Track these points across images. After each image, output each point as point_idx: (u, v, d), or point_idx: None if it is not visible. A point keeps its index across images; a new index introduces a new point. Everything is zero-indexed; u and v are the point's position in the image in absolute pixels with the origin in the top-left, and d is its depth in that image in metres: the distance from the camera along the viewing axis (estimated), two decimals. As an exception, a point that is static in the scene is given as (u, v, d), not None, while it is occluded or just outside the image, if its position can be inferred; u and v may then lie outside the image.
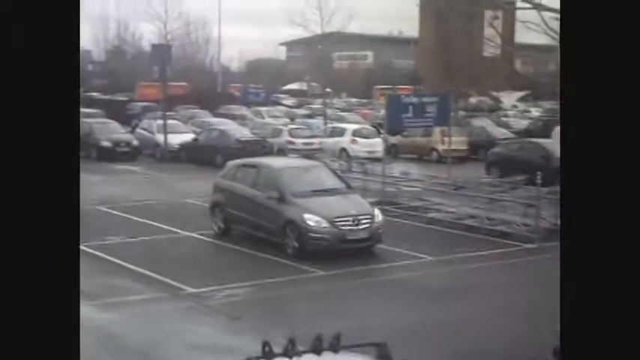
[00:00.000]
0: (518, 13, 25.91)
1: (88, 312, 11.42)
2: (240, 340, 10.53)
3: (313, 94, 70.31)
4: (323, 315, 11.67)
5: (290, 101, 69.54)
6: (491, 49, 52.52)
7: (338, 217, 15.76)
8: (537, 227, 17.47)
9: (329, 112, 48.14)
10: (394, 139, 34.25)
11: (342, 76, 70.86)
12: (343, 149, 33.97)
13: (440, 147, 33.28)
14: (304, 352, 4.30)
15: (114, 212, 20.76)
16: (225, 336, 11.13)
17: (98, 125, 35.47)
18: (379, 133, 34.94)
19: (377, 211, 16.62)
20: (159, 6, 39.83)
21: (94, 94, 60.46)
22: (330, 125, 40.12)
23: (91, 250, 15.94)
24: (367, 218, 16.09)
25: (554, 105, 45.13)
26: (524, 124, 45.93)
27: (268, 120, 44.68)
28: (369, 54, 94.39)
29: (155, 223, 19.09)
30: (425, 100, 24.38)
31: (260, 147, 31.42)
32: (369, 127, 38.69)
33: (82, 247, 15.59)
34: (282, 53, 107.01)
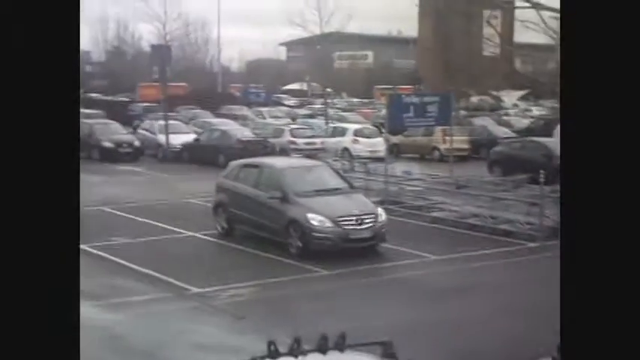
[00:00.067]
0: (518, 13, 25.94)
1: (93, 312, 11.45)
2: (245, 340, 10.54)
3: (314, 94, 70.33)
4: (327, 314, 11.67)
5: (291, 101, 69.58)
6: (490, 48, 52.62)
7: (341, 217, 15.77)
8: (541, 226, 17.45)
9: (330, 111, 48.16)
10: (396, 139, 34.26)
11: (342, 76, 70.91)
12: (345, 149, 33.96)
13: (442, 146, 33.28)
14: (310, 351, 4.29)
15: (117, 213, 20.78)
16: (230, 336, 11.13)
17: (100, 126, 35.52)
18: (381, 132, 34.96)
19: (380, 211, 16.63)
20: (158, 7, 39.81)
21: (95, 94, 60.48)
22: (331, 125, 40.13)
23: (95, 251, 15.96)
24: (370, 218, 16.09)
25: (555, 104, 45.14)
26: (525, 122, 45.91)
27: (270, 120, 44.70)
28: (369, 54, 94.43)
29: (158, 224, 19.11)
30: (426, 99, 24.37)
31: (262, 147, 31.43)
32: (371, 127, 38.71)
33: (85, 247, 15.65)
34: (281, 53, 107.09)
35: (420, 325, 11.47)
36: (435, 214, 20.07)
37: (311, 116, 49.18)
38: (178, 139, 34.06)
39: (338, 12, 45.12)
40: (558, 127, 26.08)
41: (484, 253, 16.53)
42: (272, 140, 33.68)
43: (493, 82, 62.14)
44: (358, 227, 15.86)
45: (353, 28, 54.66)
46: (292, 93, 79.18)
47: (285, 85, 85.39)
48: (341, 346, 4.35)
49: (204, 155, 31.87)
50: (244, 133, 34.66)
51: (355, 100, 74.42)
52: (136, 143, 34.60)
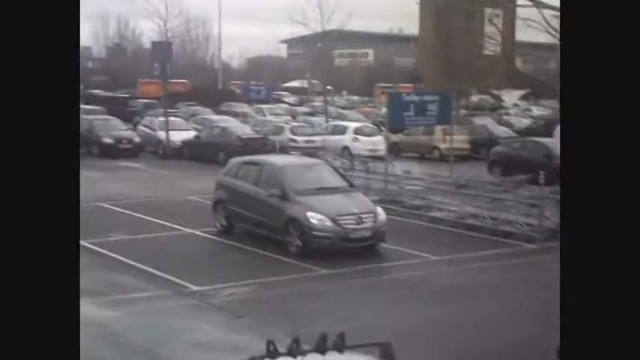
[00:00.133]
0: (519, 10, 25.91)
1: (91, 309, 11.45)
2: (244, 339, 10.55)
3: (314, 92, 70.28)
4: (325, 314, 11.66)
5: (291, 99, 69.53)
6: (491, 47, 52.58)
7: (341, 216, 15.75)
8: (540, 227, 17.43)
9: (330, 109, 48.12)
10: (396, 138, 34.24)
11: (342, 73, 70.81)
12: (345, 147, 33.94)
13: (442, 145, 33.27)
14: (309, 351, 4.29)
15: (116, 209, 20.78)
16: (229, 334, 11.13)
17: (100, 122, 35.55)
18: (381, 131, 34.94)
19: (379, 210, 16.61)
20: (159, 3, 39.72)
21: (95, 91, 60.46)
22: (331, 123, 40.10)
23: (94, 247, 15.96)
24: (370, 217, 16.08)
25: (555, 104, 45.09)
26: (525, 122, 45.89)
27: (270, 117, 44.67)
28: (370, 52, 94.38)
29: (157, 220, 19.10)
30: (426, 98, 24.37)
31: (262, 144, 31.41)
32: (371, 125, 38.69)
33: (84, 243, 15.63)
34: (282, 51, 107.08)
35: (418, 326, 11.46)
36: (434, 214, 20.06)
37: (311, 114, 49.13)
38: (178, 136, 34.08)
39: (339, 10, 44.92)
40: (559, 127, 26.08)
41: (483, 253, 16.52)
42: (272, 138, 33.65)
43: (494, 81, 62.14)
44: (357, 226, 15.85)
45: (354, 25, 54.52)
46: (293, 90, 79.15)
47: (285, 82, 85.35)
48: (340, 346, 4.35)
49: (204, 152, 31.88)
50: (244, 130, 34.65)
51: (355, 98, 74.43)
52: (136, 139, 34.62)
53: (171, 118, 35.70)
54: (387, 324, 11.04)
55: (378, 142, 32.68)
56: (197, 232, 17.96)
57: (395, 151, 33.09)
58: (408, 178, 23.57)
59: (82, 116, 34.78)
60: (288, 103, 62.87)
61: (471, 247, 16.99)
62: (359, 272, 14.76)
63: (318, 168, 18.26)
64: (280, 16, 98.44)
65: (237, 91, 66.10)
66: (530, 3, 21.31)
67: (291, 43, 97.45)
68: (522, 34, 36.98)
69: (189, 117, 41.30)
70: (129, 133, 35.49)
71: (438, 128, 32.36)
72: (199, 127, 36.71)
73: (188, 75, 65.53)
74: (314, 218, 15.59)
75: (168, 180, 27.16)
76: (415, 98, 24.39)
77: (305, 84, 77.88)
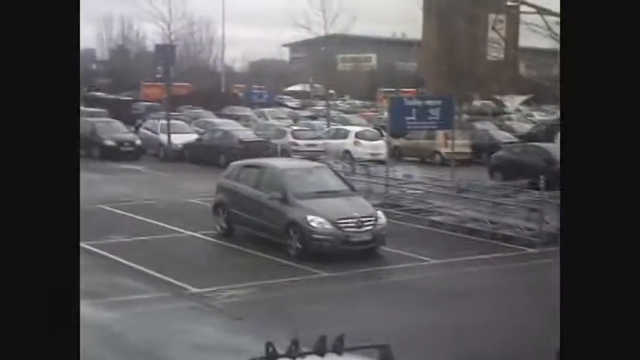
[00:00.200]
0: (523, 15, 25.91)
1: (91, 311, 11.45)
2: (243, 341, 10.55)
3: (316, 96, 70.32)
4: (325, 317, 11.65)
5: (293, 103, 69.59)
6: (494, 52, 52.57)
7: (341, 219, 15.77)
8: (541, 231, 17.43)
9: (332, 113, 48.14)
10: (397, 142, 34.25)
11: (345, 78, 70.88)
12: (346, 151, 33.96)
13: (443, 150, 33.29)
14: (307, 353, 4.29)
15: (117, 211, 20.79)
16: (228, 336, 11.13)
17: (102, 124, 35.58)
18: (382, 135, 34.95)
19: (380, 214, 16.62)
20: (162, 6, 39.78)
21: (98, 93, 60.54)
22: (333, 127, 40.11)
23: (95, 249, 15.97)
24: (370, 220, 16.09)
25: (557, 109, 45.08)
26: (527, 127, 45.89)
27: (272, 121, 44.70)
28: (373, 56, 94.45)
29: (158, 223, 19.12)
30: (428, 102, 24.36)
31: (263, 148, 31.44)
32: (373, 130, 38.68)
33: (85, 245, 15.64)
34: (285, 54, 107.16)
35: (418, 329, 11.46)
36: (434, 217, 20.06)
37: (313, 118, 49.18)
38: (180, 139, 34.10)
39: (342, 14, 44.94)
40: (560, 132, 26.06)
41: (483, 257, 16.53)
42: (274, 141, 33.67)
43: (497, 87, 62.09)
44: (358, 230, 15.86)
45: (357, 30, 54.57)
46: (295, 94, 79.23)
47: (287, 86, 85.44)
48: (339, 348, 4.35)
49: (205, 155, 31.90)
50: (246, 133, 34.68)
51: (358, 102, 74.44)
52: (138, 142, 34.63)
53: (174, 121, 35.73)
54: (386, 327, 11.04)
55: (379, 146, 32.68)
56: (197, 235, 17.97)
57: (396, 155, 33.11)
58: (409, 182, 23.58)
59: (84, 118, 34.90)
60: (291, 107, 62.94)
61: (471, 251, 17.00)
62: (359, 275, 14.78)
63: (320, 171, 18.28)
64: (283, 19, 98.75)
65: (240, 94, 66.17)
66: (534, 10, 21.34)
67: (293, 46, 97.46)
68: (526, 40, 37.02)
69: (191, 120, 41.33)
70: (131, 136, 35.52)
71: (440, 133, 32.39)
72: (201, 130, 36.74)
73: (191, 78, 65.55)
74: (314, 221, 15.60)
75: (169, 182, 27.17)
76: (417, 103, 24.40)
77: (307, 88, 77.96)
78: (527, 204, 18.99)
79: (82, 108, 38.16)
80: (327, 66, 52.66)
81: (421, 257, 16.27)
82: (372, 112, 59.31)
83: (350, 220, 15.84)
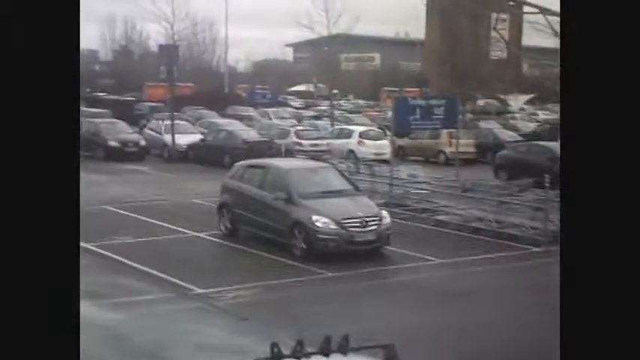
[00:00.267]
0: (526, 14, 25.88)
1: (96, 312, 11.46)
2: (248, 341, 10.54)
3: (320, 96, 70.34)
4: (330, 317, 11.64)
5: (297, 103, 69.61)
6: (498, 51, 52.53)
7: (346, 219, 15.75)
8: (546, 230, 17.41)
9: (336, 113, 48.13)
10: (401, 141, 34.23)
11: (349, 77, 70.90)
12: (351, 151, 33.96)
13: (447, 149, 33.28)
14: (312, 353, 4.28)
15: (121, 212, 20.80)
16: (233, 337, 11.12)
17: (106, 125, 35.60)
18: (386, 135, 34.93)
19: (385, 213, 16.61)
20: (166, 6, 39.86)
21: (102, 93, 60.63)
22: (337, 127, 40.10)
23: (99, 250, 15.98)
24: (375, 220, 16.07)
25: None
26: (531, 126, 45.86)
27: (275, 121, 44.71)
28: (376, 56, 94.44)
29: (163, 223, 19.12)
30: (432, 102, 24.36)
31: (267, 148, 31.45)
32: (377, 129, 38.67)
33: (89, 246, 15.67)
34: (288, 54, 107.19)
35: (423, 329, 11.45)
36: (439, 217, 20.04)
37: (317, 118, 49.18)
38: (184, 139, 34.10)
39: (345, 13, 45.03)
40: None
41: (488, 257, 16.51)
42: (278, 141, 33.68)
43: (500, 86, 62.06)
44: (362, 230, 15.84)
45: (360, 29, 54.71)
46: (298, 94, 79.25)
47: (291, 86, 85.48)
48: (344, 348, 4.34)
49: (209, 156, 31.91)
50: (250, 133, 34.68)
51: (361, 102, 74.45)
52: (142, 143, 34.64)
53: (178, 122, 35.72)
54: (391, 327, 11.02)
55: (383, 146, 32.66)
56: (202, 235, 17.97)
57: (400, 154, 33.11)
58: (414, 181, 23.56)
59: (88, 119, 34.96)
60: (294, 107, 62.96)
61: (476, 250, 16.97)
62: (364, 275, 14.76)
63: (324, 171, 18.27)
64: (287, 19, 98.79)
65: (243, 94, 66.21)
66: (536, 10, 21.33)
67: (297, 46, 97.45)
68: (529, 39, 36.99)
69: (195, 120, 41.36)
70: (135, 137, 35.52)
71: (444, 132, 32.37)
72: (205, 130, 36.75)
73: (194, 78, 65.67)
74: (319, 221, 15.59)
75: (173, 183, 27.18)
76: (421, 102, 24.39)
77: (311, 88, 78.01)
78: (532, 203, 18.95)
79: (85, 109, 38.33)
80: (330, 66, 52.71)
81: (426, 257, 16.25)
82: (376, 111, 59.31)
83: (355, 220, 15.82)
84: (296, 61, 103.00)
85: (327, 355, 4.27)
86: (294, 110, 57.93)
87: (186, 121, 39.48)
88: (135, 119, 43.22)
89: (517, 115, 57.28)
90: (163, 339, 10.97)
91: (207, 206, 20.70)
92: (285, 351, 4.22)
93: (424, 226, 19.69)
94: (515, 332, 11.49)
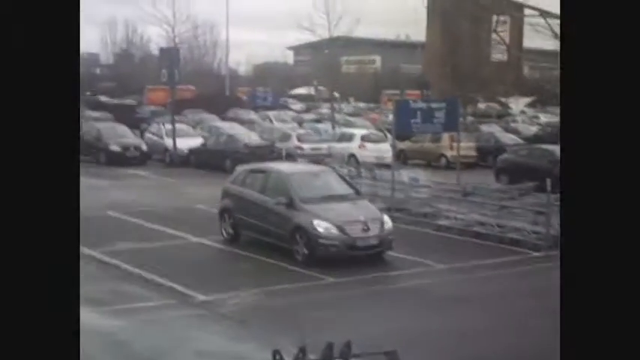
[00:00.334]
0: (527, 17, 25.87)
1: (97, 318, 11.45)
2: (250, 348, 10.52)
3: (321, 99, 70.29)
4: (332, 322, 11.62)
5: (298, 106, 69.56)
6: (498, 54, 52.52)
7: (347, 223, 15.71)
8: (547, 234, 17.38)
9: (337, 116, 48.09)
10: (403, 145, 34.21)
11: (349, 80, 70.86)
12: (352, 154, 33.93)
13: (449, 153, 33.26)
14: (315, 360, 4.29)
15: (123, 217, 20.78)
16: (235, 343, 11.09)
17: (107, 129, 35.50)
18: (387, 138, 34.91)
19: (386, 218, 16.58)
20: (166, 9, 39.92)
21: (102, 97, 60.59)
22: (338, 130, 40.06)
23: (101, 256, 15.96)
24: (376, 224, 16.04)
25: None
26: (532, 129, 45.81)
27: (277, 124, 44.67)
28: (377, 58, 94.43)
29: (164, 229, 19.10)
30: (433, 105, 24.31)
31: (269, 152, 31.41)
32: (378, 133, 38.63)
33: (91, 252, 15.65)
34: (289, 57, 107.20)
35: (425, 334, 11.42)
36: (441, 221, 20.01)
37: (318, 121, 49.14)
38: (185, 143, 34.04)
39: (346, 16, 45.00)
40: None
41: (490, 262, 16.46)
42: (279, 145, 33.65)
43: (501, 89, 62.05)
44: (364, 234, 15.81)
45: (361, 32, 54.63)
46: (299, 97, 79.20)
47: (292, 89, 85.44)
48: (346, 355, 4.34)
49: (211, 160, 31.89)
50: (251, 137, 34.66)
51: (362, 104, 74.41)
52: (144, 147, 34.54)
53: (179, 125, 35.67)
54: (393, 332, 11.00)
55: (384, 150, 32.59)
56: (204, 241, 17.94)
57: (402, 158, 33.07)
58: (415, 185, 23.53)
59: (90, 123, 34.93)
60: (295, 110, 62.89)
61: (477, 255, 16.93)
62: (365, 280, 14.72)
63: (325, 175, 18.23)
64: (287, 22, 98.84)
65: (244, 97, 66.19)
66: (537, 12, 21.33)
67: (297, 49, 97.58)
68: (530, 42, 37.00)
69: (195, 124, 41.32)
70: (136, 141, 35.46)
71: (445, 135, 32.33)
72: (206, 134, 36.72)
73: (195, 81, 65.64)
74: (320, 226, 15.56)
75: (174, 188, 27.17)
76: (422, 105, 24.33)
77: (312, 91, 78.00)
78: (534, 207, 18.92)
79: (86, 112, 38.30)
80: (331, 68, 52.72)
81: (428, 262, 16.20)
82: (377, 114, 59.27)
83: (356, 225, 15.79)
84: (297, 64, 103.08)
85: (329, 362, 4.27)
86: (295, 113, 57.86)
87: (187, 124, 39.41)
88: (136, 123, 43.20)
89: (518, 118, 57.24)
90: (164, 345, 10.95)
91: (208, 211, 20.64)
92: (288, 358, 4.22)
93: (426, 230, 19.66)
94: (516, 337, 11.47)
